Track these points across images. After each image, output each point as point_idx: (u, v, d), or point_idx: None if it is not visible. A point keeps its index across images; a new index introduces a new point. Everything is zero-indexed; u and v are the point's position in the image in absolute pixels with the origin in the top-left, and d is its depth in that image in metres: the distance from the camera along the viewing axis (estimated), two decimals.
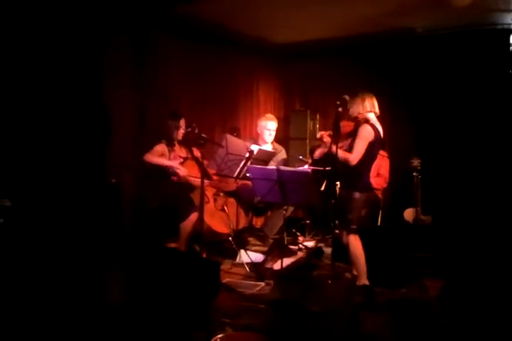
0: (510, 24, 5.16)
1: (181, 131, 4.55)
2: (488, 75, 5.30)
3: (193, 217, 4.40)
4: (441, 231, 4.51)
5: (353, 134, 3.70)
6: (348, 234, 3.68)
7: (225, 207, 4.80)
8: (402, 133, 5.83)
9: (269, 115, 5.42)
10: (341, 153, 3.61)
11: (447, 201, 5.18)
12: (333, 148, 3.54)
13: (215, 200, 4.83)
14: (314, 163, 5.15)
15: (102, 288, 3.23)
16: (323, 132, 3.86)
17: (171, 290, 3.16)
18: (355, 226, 3.67)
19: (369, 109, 3.71)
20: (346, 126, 3.78)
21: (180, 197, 4.49)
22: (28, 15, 3.83)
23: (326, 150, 3.76)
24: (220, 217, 4.77)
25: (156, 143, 4.51)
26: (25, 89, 3.86)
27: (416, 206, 5.17)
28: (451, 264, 3.96)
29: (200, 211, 4.09)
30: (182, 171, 4.45)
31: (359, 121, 3.70)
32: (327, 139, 3.73)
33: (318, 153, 4.10)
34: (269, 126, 5.21)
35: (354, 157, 3.60)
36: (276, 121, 5.31)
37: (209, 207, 4.75)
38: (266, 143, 5.26)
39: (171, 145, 4.54)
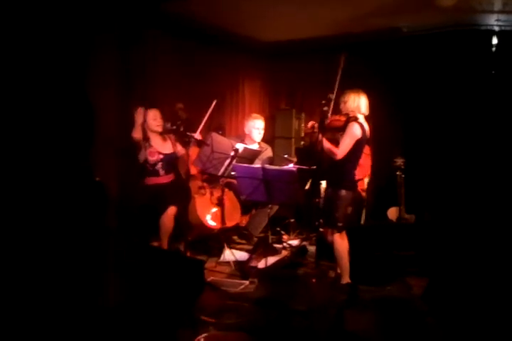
0: (493, 25, 5.23)
1: (153, 122, 4.39)
2: (471, 75, 5.36)
3: (171, 211, 4.31)
4: (424, 230, 4.55)
5: (341, 130, 3.71)
6: (334, 232, 3.69)
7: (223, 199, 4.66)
8: (387, 132, 5.86)
9: (256, 114, 5.45)
10: (328, 146, 3.63)
11: (431, 200, 5.23)
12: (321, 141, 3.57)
13: (211, 193, 4.79)
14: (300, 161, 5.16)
15: (86, 287, 3.18)
16: (313, 122, 3.83)
17: (154, 288, 3.13)
18: (341, 224, 3.68)
19: (363, 110, 3.74)
20: (335, 120, 3.76)
21: (162, 190, 4.40)
22: (10, 10, 3.76)
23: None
24: (213, 210, 4.74)
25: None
26: (7, 87, 3.78)
27: (399, 205, 5.21)
28: (435, 262, 3.99)
29: (182, 207, 4.06)
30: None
31: (349, 118, 3.71)
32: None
33: None
34: (257, 125, 5.22)
35: (340, 152, 3.63)
36: (263, 119, 5.32)
37: (204, 199, 4.72)
38: (254, 142, 5.26)
39: (146, 139, 4.37)
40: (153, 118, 4.40)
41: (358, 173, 4.81)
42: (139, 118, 4.31)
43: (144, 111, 4.34)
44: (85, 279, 3.17)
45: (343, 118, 3.74)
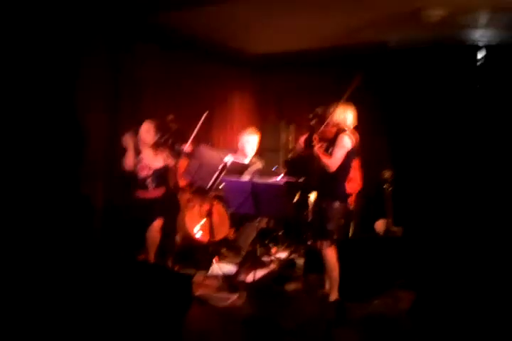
0: (477, 41, 5.32)
1: (146, 134, 4.33)
2: (457, 89, 5.44)
3: (157, 223, 4.27)
4: (412, 243, 4.56)
5: (332, 141, 3.72)
6: (326, 245, 3.68)
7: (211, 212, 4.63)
8: (375, 145, 5.89)
9: (251, 129, 5.34)
10: (323, 158, 3.63)
11: (418, 212, 5.25)
12: (317, 152, 3.61)
13: (200, 206, 4.75)
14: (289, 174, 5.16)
15: (71, 302, 3.14)
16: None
17: (141, 303, 3.09)
18: (336, 236, 3.68)
19: (349, 122, 3.76)
20: (326, 132, 3.76)
21: (151, 203, 4.35)
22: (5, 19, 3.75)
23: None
24: (201, 223, 4.71)
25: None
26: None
27: (387, 217, 5.22)
28: (422, 276, 4.00)
29: (170, 219, 4.04)
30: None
31: (339, 129, 3.73)
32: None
33: None
34: (251, 140, 5.15)
35: (333, 163, 3.63)
36: (258, 134, 5.25)
37: (193, 212, 4.69)
38: (247, 157, 5.19)
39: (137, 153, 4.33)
40: (147, 131, 4.35)
41: (350, 188, 4.83)
42: (129, 143, 4.27)
43: (133, 135, 4.30)
44: (71, 290, 3.14)
45: (333, 130, 3.76)
